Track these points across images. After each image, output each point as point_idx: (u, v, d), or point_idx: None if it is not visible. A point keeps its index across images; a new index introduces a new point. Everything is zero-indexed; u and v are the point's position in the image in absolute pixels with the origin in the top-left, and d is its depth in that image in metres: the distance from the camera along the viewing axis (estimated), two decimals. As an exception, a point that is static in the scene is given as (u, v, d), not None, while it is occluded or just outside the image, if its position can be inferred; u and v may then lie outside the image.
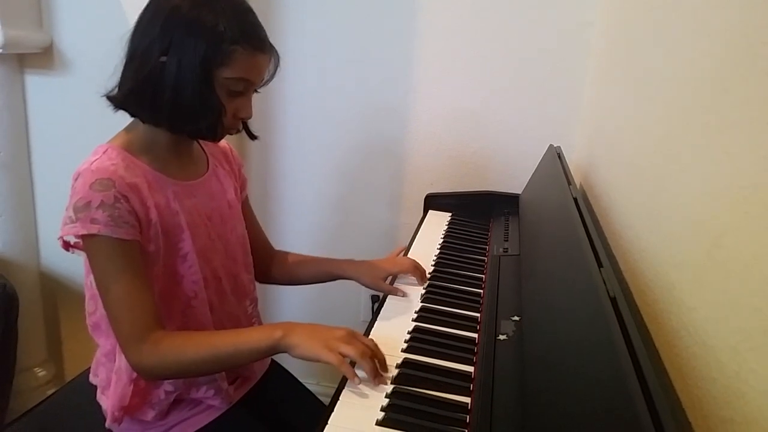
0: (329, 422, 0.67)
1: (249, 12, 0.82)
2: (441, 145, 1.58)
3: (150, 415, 0.87)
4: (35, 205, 1.56)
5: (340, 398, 0.71)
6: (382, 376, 0.74)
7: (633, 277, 0.84)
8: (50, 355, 1.65)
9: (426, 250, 1.19)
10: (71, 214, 0.76)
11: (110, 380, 0.87)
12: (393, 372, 0.76)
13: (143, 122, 0.83)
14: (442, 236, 1.27)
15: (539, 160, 1.37)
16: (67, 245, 0.80)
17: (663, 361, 0.67)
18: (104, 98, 0.82)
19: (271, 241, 1.12)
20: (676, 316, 0.65)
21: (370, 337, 0.85)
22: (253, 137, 0.93)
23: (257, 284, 1.05)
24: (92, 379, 0.94)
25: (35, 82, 1.49)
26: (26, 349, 1.53)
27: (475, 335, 0.88)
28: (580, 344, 0.63)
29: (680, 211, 0.69)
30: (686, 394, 0.60)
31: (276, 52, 0.85)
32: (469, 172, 1.58)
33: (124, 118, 0.84)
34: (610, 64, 1.26)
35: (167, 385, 0.87)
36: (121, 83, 0.81)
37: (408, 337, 0.86)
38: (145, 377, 0.83)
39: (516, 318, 0.87)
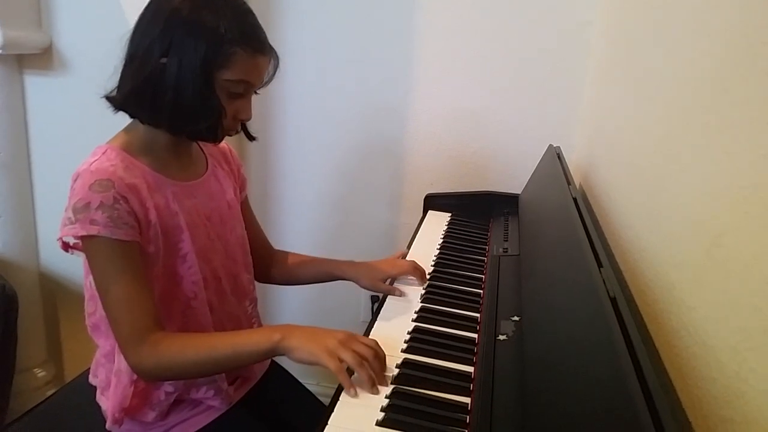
0: (329, 422, 0.67)
1: (249, 13, 0.82)
2: (441, 145, 1.58)
3: (150, 416, 0.87)
4: (35, 205, 1.56)
5: (340, 398, 0.71)
6: (377, 385, 0.73)
7: (633, 277, 0.84)
8: (50, 355, 1.65)
9: (426, 250, 1.19)
10: (70, 215, 0.76)
11: (110, 381, 0.87)
12: (393, 372, 0.76)
13: (143, 123, 0.83)
14: (442, 236, 1.27)
15: (539, 161, 1.37)
16: (66, 246, 0.80)
17: (663, 360, 0.67)
18: (104, 99, 0.82)
19: (271, 241, 1.12)
20: (676, 316, 0.65)
21: (369, 337, 0.86)
22: (251, 138, 0.93)
23: (257, 284, 1.05)
24: (92, 379, 0.93)
25: (35, 83, 1.49)
26: (26, 350, 1.53)
27: (475, 335, 0.87)
28: (580, 344, 0.63)
29: (680, 210, 0.69)
30: (686, 393, 0.60)
31: (275, 53, 0.85)
32: (469, 172, 1.58)
33: (123, 119, 0.84)
34: (610, 64, 1.26)
35: (167, 386, 0.87)
36: (121, 84, 0.81)
37: (408, 337, 0.86)
38: (145, 378, 0.83)
39: (516, 318, 0.87)
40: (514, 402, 0.69)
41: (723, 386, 0.52)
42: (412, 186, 1.62)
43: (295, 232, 1.73)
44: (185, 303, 0.87)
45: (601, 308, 0.61)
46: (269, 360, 1.07)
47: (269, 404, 1.01)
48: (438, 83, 1.53)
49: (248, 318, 1.00)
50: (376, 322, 0.91)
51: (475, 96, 1.52)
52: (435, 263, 1.13)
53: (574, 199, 0.94)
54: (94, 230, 0.75)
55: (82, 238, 0.77)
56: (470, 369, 0.79)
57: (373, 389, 0.72)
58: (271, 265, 1.10)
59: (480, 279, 1.07)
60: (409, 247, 1.22)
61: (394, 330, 0.88)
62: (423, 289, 1.02)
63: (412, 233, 1.30)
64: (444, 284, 1.04)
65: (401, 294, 1.00)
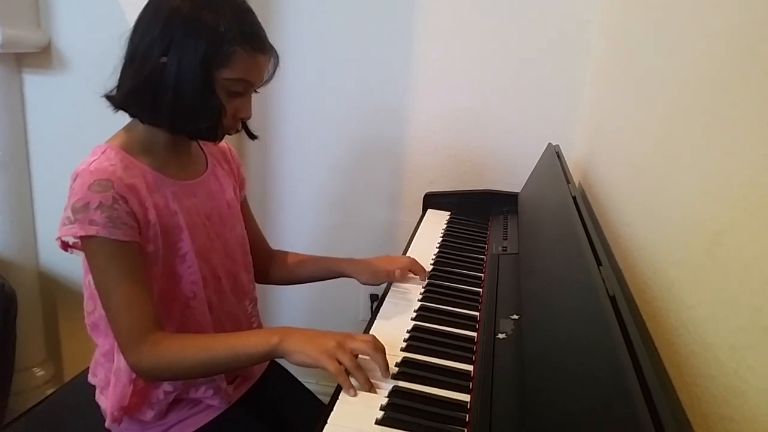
0: (329, 421, 0.67)
1: (249, 12, 0.82)
2: (440, 144, 1.58)
3: (149, 415, 0.87)
4: (33, 204, 1.56)
5: (339, 397, 0.71)
6: (383, 374, 0.74)
7: (632, 276, 0.84)
8: (49, 355, 1.65)
9: (425, 248, 1.19)
10: (69, 214, 0.76)
11: (109, 380, 0.87)
12: (392, 371, 0.76)
13: (143, 122, 0.83)
14: (441, 235, 1.27)
15: (538, 159, 1.37)
16: (65, 246, 0.80)
17: (662, 359, 0.67)
18: (103, 98, 0.82)
19: (270, 241, 1.12)
20: (675, 314, 0.66)
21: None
22: (252, 137, 0.93)
23: (256, 284, 1.05)
24: (91, 379, 0.93)
25: (33, 82, 1.49)
26: (25, 349, 1.53)
27: (474, 334, 0.88)
28: (580, 343, 0.63)
29: (680, 209, 0.69)
30: (685, 392, 0.60)
31: (275, 52, 0.85)
32: (468, 170, 1.59)
33: (122, 118, 0.84)
34: (609, 64, 1.26)
35: (166, 385, 0.87)
36: (121, 84, 0.81)
37: (407, 336, 0.86)
38: (144, 378, 0.83)
39: (515, 316, 0.87)
40: (514, 400, 0.69)
41: (722, 384, 0.53)
42: (412, 185, 1.62)
43: (294, 232, 1.73)
44: (184, 302, 0.87)
45: (600, 306, 0.61)
46: (268, 359, 1.07)
47: (268, 403, 1.01)
48: (438, 83, 1.53)
49: (248, 318, 1.00)
50: (376, 321, 0.91)
51: (474, 95, 1.52)
52: (434, 262, 1.13)
53: (574, 198, 0.94)
54: (93, 230, 0.75)
55: (81, 238, 0.77)
56: (470, 367, 0.79)
57: (372, 390, 0.72)
58: (270, 266, 1.10)
59: (479, 277, 1.08)
60: (408, 245, 1.22)
61: (393, 329, 0.88)
62: (422, 287, 1.02)
63: (412, 232, 1.30)
64: (443, 283, 1.04)
65: (402, 278, 1.02)
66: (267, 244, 1.11)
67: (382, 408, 0.69)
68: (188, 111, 0.79)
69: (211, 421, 0.91)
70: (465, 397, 0.72)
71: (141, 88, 0.78)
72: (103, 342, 0.89)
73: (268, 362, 1.07)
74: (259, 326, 1.04)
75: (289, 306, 1.82)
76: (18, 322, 1.42)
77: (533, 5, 1.44)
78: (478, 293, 1.01)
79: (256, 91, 0.86)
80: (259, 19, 0.84)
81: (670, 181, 0.74)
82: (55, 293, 1.63)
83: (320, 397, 1.05)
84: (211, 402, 0.91)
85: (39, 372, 1.61)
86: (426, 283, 1.04)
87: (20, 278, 1.52)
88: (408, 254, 1.14)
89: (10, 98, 1.46)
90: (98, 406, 0.91)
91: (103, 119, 0.83)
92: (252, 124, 0.92)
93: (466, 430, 0.67)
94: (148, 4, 0.80)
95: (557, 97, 1.49)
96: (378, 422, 0.67)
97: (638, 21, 1.06)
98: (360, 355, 0.75)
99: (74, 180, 0.77)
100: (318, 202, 1.70)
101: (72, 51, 1.46)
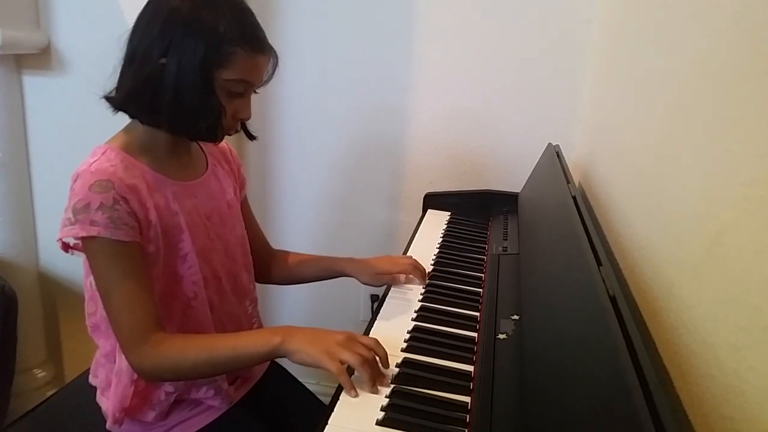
0: (329, 422, 0.67)
1: (248, 13, 0.82)
2: (440, 144, 1.58)
3: (151, 416, 0.87)
4: (34, 205, 1.56)
5: (340, 398, 0.71)
6: (380, 382, 0.73)
7: (632, 276, 0.84)
8: (50, 356, 1.65)
9: (425, 249, 1.19)
10: (70, 215, 0.76)
11: (110, 381, 0.87)
12: (393, 371, 0.76)
13: (143, 123, 0.83)
14: (441, 235, 1.27)
15: (538, 159, 1.37)
16: (66, 247, 0.80)
17: (662, 359, 0.67)
18: (103, 99, 0.82)
19: (271, 241, 1.12)
20: (675, 314, 0.66)
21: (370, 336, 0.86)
22: (251, 137, 0.93)
23: (257, 284, 1.05)
24: (92, 380, 0.93)
25: (33, 83, 1.49)
26: (26, 351, 1.53)
27: (475, 334, 0.88)
28: (580, 343, 0.63)
29: (680, 209, 0.69)
30: (686, 391, 0.60)
31: (275, 52, 0.85)
32: (468, 170, 1.59)
33: (122, 119, 0.84)
34: (610, 64, 1.26)
35: (168, 386, 0.87)
36: (120, 85, 0.81)
37: (408, 336, 0.86)
38: (145, 379, 0.83)
39: (515, 317, 0.87)
40: (514, 401, 0.69)
41: (722, 384, 0.53)
42: (412, 185, 1.62)
43: (295, 232, 1.73)
44: (185, 303, 0.87)
45: (601, 306, 0.61)
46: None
47: (269, 404, 1.01)
48: (438, 83, 1.53)
49: (248, 318, 1.00)
50: (376, 322, 0.91)
51: (475, 95, 1.52)
52: (434, 262, 1.13)
53: (574, 198, 0.94)
54: (94, 231, 0.75)
55: (82, 238, 0.77)
56: (470, 368, 0.79)
57: (374, 388, 0.72)
58: (270, 266, 1.10)
59: (479, 278, 1.08)
60: (408, 245, 1.22)
61: (394, 329, 0.88)
62: (423, 288, 1.02)
63: (412, 232, 1.30)
64: (444, 283, 1.04)
65: (405, 281, 1.01)
66: (268, 244, 1.11)
67: (382, 409, 0.69)
68: (188, 112, 0.79)
69: (212, 421, 0.91)
70: (466, 398, 0.72)
71: (140, 89, 0.78)
72: (104, 343, 0.89)
73: (269, 363, 1.07)
74: (260, 326, 1.04)
75: (289, 306, 1.82)
76: (19, 324, 1.42)
77: (534, 5, 1.44)
78: (478, 293, 1.01)
79: (255, 92, 0.86)
80: (259, 20, 0.84)
81: (671, 181, 0.74)
82: (56, 294, 1.63)
83: (321, 397, 1.05)
84: (212, 402, 0.91)
85: (40, 373, 1.61)
86: (426, 283, 1.04)
87: (21, 279, 1.52)
88: (408, 254, 1.14)
89: (10, 99, 1.46)
90: (99, 408, 0.91)
91: (103, 120, 0.83)
92: (252, 125, 0.92)
93: (466, 430, 0.67)
94: (147, 5, 0.80)
95: (557, 97, 1.49)
96: (379, 423, 0.67)
97: (639, 21, 1.06)
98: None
99: (75, 181, 0.77)
100: (318, 202, 1.70)
101: (71, 52, 1.46)
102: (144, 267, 0.80)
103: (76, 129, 1.46)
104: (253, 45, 0.80)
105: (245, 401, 0.97)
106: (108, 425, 0.87)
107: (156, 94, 0.78)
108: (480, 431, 0.66)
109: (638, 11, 1.07)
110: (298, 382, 1.09)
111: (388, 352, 0.77)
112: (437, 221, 1.37)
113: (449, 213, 1.42)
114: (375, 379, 0.72)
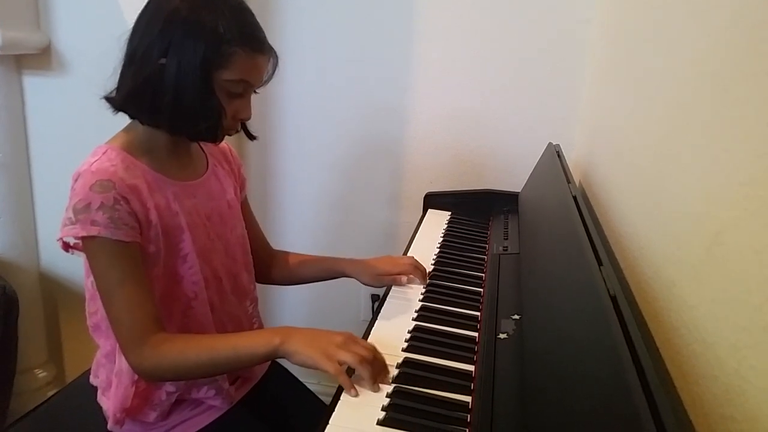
0: (330, 422, 0.67)
1: (248, 13, 0.82)
2: (440, 144, 1.58)
3: (151, 416, 0.87)
4: (34, 206, 1.56)
5: (341, 398, 0.72)
6: (380, 381, 0.74)
7: (633, 275, 0.84)
8: (50, 356, 1.65)
9: (425, 249, 1.19)
10: (71, 215, 0.76)
11: (111, 381, 0.87)
12: (394, 371, 0.76)
13: (143, 124, 0.83)
14: (442, 235, 1.27)
15: (538, 159, 1.37)
16: (66, 246, 0.80)
17: (663, 359, 0.67)
18: (103, 99, 0.82)
19: (271, 241, 1.12)
20: (676, 314, 0.66)
21: (370, 336, 0.86)
22: (252, 137, 0.93)
23: (257, 284, 1.05)
24: (93, 380, 0.94)
25: (33, 83, 1.49)
26: (26, 351, 1.53)
27: (476, 334, 0.88)
28: (581, 342, 0.63)
29: (680, 209, 0.69)
30: (686, 391, 0.60)
31: (275, 52, 0.85)
32: (469, 170, 1.59)
33: (122, 119, 0.84)
34: (609, 64, 1.26)
35: (168, 386, 0.87)
36: (120, 85, 0.81)
37: (408, 336, 0.86)
38: (146, 379, 0.83)
39: (516, 316, 0.87)
40: (515, 400, 0.69)
41: (723, 384, 0.53)
42: (412, 185, 1.62)
43: (295, 232, 1.73)
44: (186, 303, 0.87)
45: (601, 306, 0.61)
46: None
47: (270, 404, 1.01)
48: (438, 83, 1.53)
49: (249, 318, 1.00)
50: (377, 322, 0.91)
51: (474, 95, 1.52)
52: (435, 262, 1.13)
53: (574, 197, 0.94)
54: (94, 231, 0.75)
55: (82, 238, 0.77)
56: (471, 368, 0.79)
57: (375, 386, 0.72)
58: (271, 266, 1.10)
59: (480, 277, 1.08)
60: (409, 245, 1.22)
61: (394, 329, 0.88)
62: (423, 287, 1.02)
63: (412, 232, 1.30)
64: (444, 283, 1.04)
65: (406, 282, 1.01)
66: (268, 244, 1.12)
67: (383, 408, 0.69)
68: (188, 112, 0.79)
69: (213, 421, 0.91)
70: (466, 398, 0.72)
71: (140, 90, 0.78)
72: (105, 343, 0.89)
73: (269, 363, 1.07)
74: (260, 327, 1.04)
75: (289, 306, 1.82)
76: (19, 324, 1.42)
77: (533, 5, 1.44)
78: (479, 293, 1.01)
79: (255, 92, 0.86)
80: (259, 19, 0.84)
81: (670, 181, 0.74)
82: (57, 294, 1.63)
83: (322, 397, 1.05)
84: (213, 402, 0.91)
85: (41, 373, 1.61)
86: (427, 283, 1.04)
87: (21, 280, 1.52)
88: (408, 254, 1.14)
89: (10, 100, 1.46)
90: (100, 408, 0.91)
91: (103, 120, 0.83)
92: (252, 125, 0.92)
93: (467, 430, 0.67)
94: (147, 5, 0.80)
95: (557, 97, 1.49)
96: (380, 423, 0.67)
97: (638, 21, 1.06)
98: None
99: (75, 181, 0.77)
100: (318, 202, 1.70)
101: (72, 52, 1.46)
102: (144, 267, 0.80)
103: (77, 129, 1.46)
104: (252, 45, 0.80)
105: (246, 401, 0.97)
106: (109, 426, 0.87)
107: (156, 94, 0.78)
108: (481, 431, 0.66)
109: (637, 11, 1.07)
110: (299, 382, 1.09)
111: (388, 353, 0.77)
112: (438, 221, 1.37)
113: (449, 213, 1.42)
114: (375, 377, 0.73)
